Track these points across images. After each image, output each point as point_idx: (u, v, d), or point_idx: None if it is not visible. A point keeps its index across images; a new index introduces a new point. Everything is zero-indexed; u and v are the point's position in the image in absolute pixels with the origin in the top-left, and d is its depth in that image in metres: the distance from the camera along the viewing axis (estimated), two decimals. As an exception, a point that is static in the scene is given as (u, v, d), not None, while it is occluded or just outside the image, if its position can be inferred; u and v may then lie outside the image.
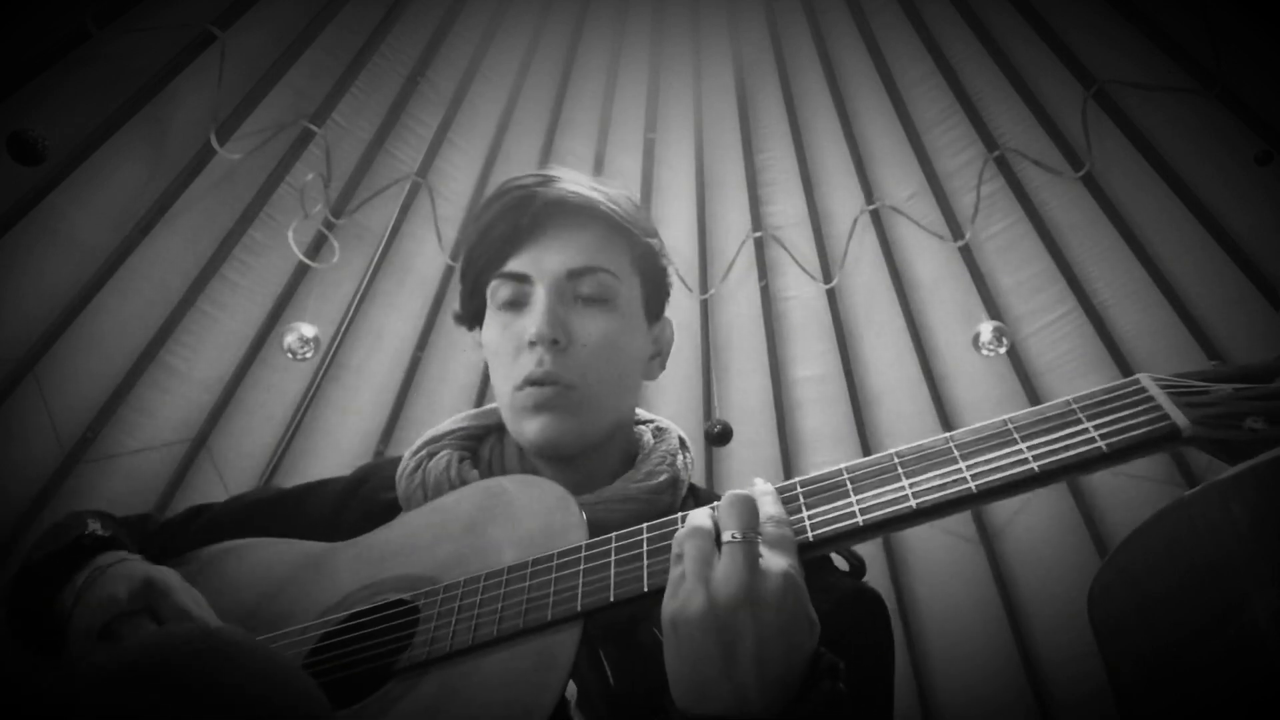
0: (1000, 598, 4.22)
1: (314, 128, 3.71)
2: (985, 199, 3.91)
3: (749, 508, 0.72)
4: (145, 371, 3.71)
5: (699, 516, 0.73)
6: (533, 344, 0.98)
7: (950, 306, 4.12)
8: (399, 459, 1.09)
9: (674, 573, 0.71)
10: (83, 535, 0.97)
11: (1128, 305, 3.84)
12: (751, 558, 0.68)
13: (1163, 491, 3.81)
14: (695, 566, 0.69)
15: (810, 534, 0.72)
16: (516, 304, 1.02)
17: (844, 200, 4.17)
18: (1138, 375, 0.71)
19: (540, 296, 1.00)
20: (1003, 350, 3.86)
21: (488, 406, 1.14)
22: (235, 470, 3.99)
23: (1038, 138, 3.79)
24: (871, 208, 4.12)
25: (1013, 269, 4.01)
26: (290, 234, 3.70)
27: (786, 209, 4.26)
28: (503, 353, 1.01)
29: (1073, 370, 3.99)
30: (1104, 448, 0.67)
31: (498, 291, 1.03)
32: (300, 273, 3.93)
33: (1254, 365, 0.70)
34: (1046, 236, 3.89)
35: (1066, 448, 0.68)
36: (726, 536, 0.70)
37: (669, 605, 0.69)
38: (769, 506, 0.73)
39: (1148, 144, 3.58)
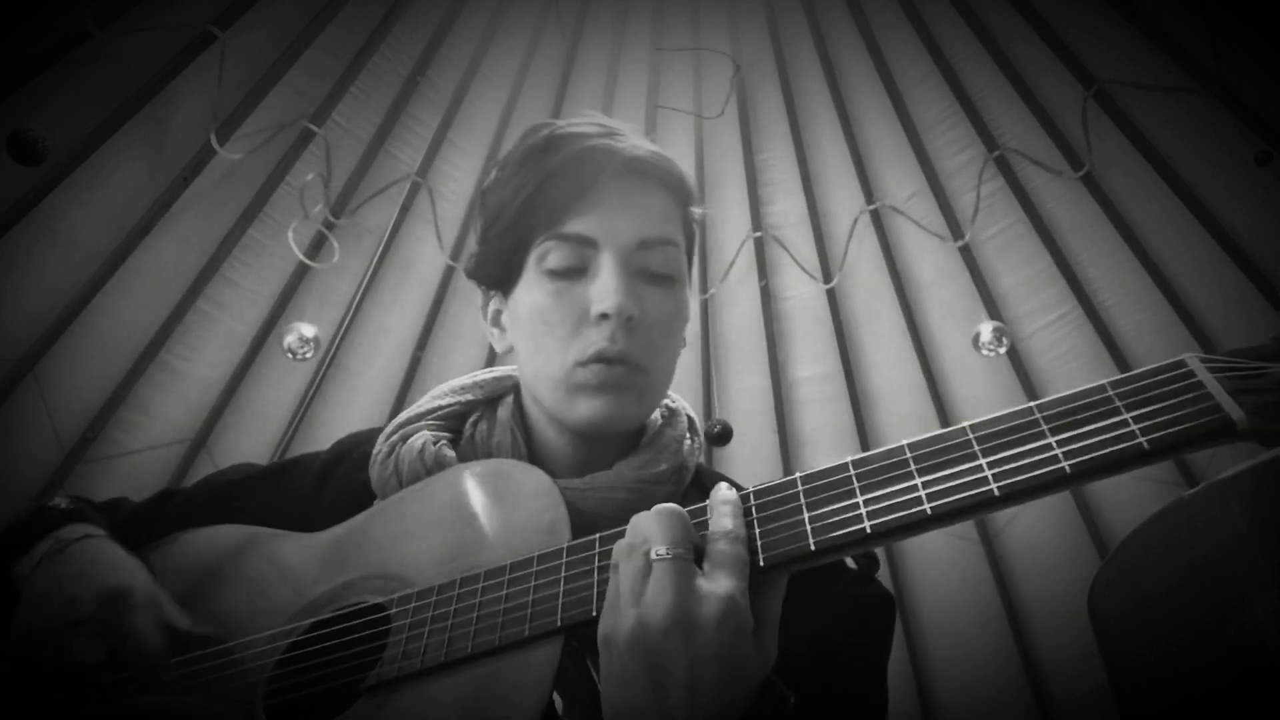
0: (1000, 598, 4.22)
1: (314, 128, 3.71)
2: (985, 199, 3.91)
3: (675, 522, 0.65)
4: (145, 371, 3.71)
5: (636, 531, 0.67)
6: (604, 317, 0.88)
7: (950, 306, 4.12)
8: (378, 432, 1.01)
9: (610, 587, 0.65)
10: (46, 507, 0.95)
11: (1128, 305, 3.83)
12: (681, 577, 0.62)
13: (1163, 491, 3.81)
14: (628, 583, 0.63)
15: (811, 542, 0.63)
16: (574, 271, 0.90)
17: (844, 200, 4.17)
18: (1184, 356, 0.61)
19: (609, 264, 0.89)
20: (1003, 350, 3.86)
21: (468, 379, 1.04)
22: (235, 470, 3.98)
23: (1038, 138, 3.79)
24: (871, 208, 4.12)
25: (1013, 269, 4.01)
26: (290, 234, 3.70)
27: (786, 209, 4.26)
28: (556, 323, 0.89)
29: (1073, 370, 3.99)
30: (1145, 445, 0.57)
31: (550, 254, 0.90)
32: (300, 273, 3.93)
33: None
34: (1046, 236, 3.89)
35: (1102, 444, 0.58)
36: (652, 553, 0.64)
37: (602, 624, 0.64)
38: (724, 520, 0.66)
39: (1148, 144, 3.58)
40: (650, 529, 0.65)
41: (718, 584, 0.62)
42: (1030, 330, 4.04)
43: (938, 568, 4.32)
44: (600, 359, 0.88)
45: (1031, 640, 4.21)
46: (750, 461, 4.31)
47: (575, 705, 0.72)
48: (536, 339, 0.92)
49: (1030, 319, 4.03)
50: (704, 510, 0.69)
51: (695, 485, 0.99)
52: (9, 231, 3.14)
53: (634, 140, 0.94)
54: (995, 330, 3.83)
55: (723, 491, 0.69)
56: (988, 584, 4.24)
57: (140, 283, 3.56)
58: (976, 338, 3.85)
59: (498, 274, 0.97)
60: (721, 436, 3.87)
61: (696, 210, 1.00)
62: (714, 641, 0.60)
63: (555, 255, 0.90)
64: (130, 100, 3.24)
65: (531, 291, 0.92)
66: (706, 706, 0.60)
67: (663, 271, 0.93)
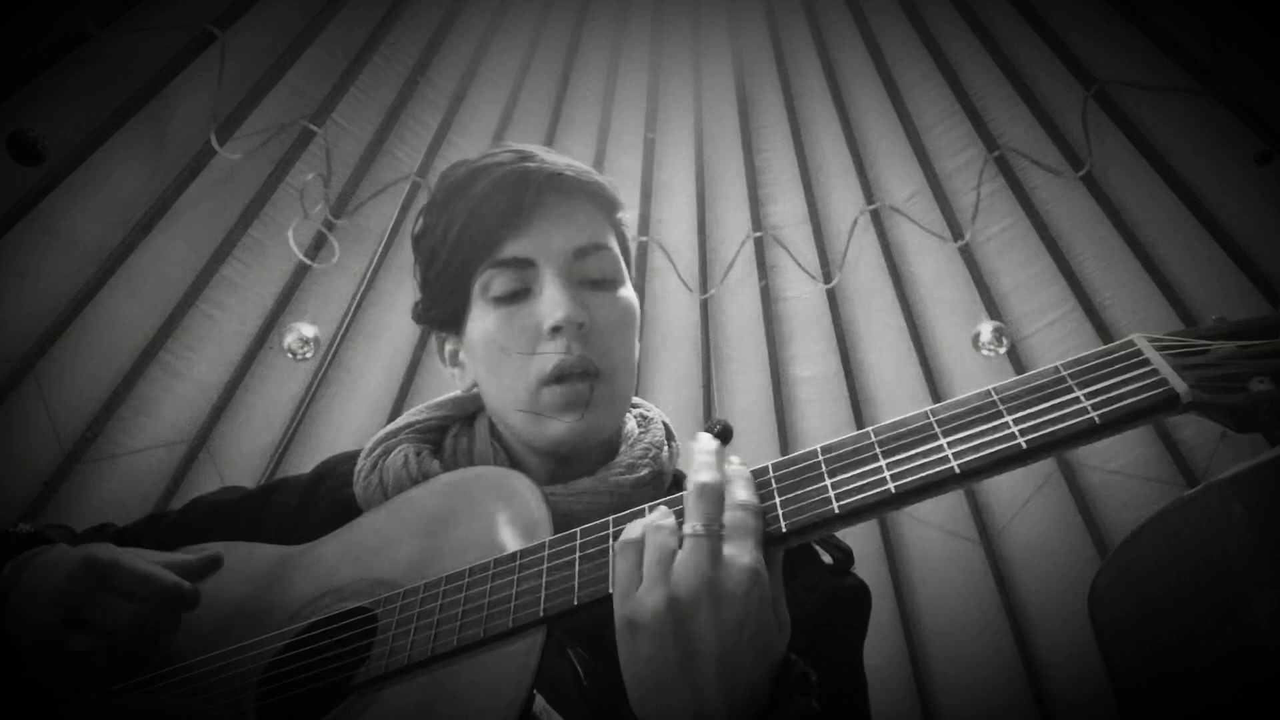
0: (1000, 598, 4.22)
1: (314, 128, 3.71)
2: (985, 199, 3.91)
3: (716, 498, 0.67)
4: (145, 371, 3.71)
5: (662, 513, 0.69)
6: (555, 330, 0.89)
7: (950, 306, 4.12)
8: (359, 452, 1.03)
9: (622, 568, 0.66)
10: (6, 532, 0.94)
11: (1128, 305, 3.84)
12: (714, 551, 0.64)
13: (1163, 491, 3.81)
14: (655, 559, 0.64)
15: (783, 524, 0.67)
16: (518, 294, 0.92)
17: (844, 200, 4.17)
18: (1131, 336, 0.66)
19: (551, 280, 0.91)
20: (1003, 350, 3.86)
21: (444, 397, 1.06)
22: (235, 470, 3.99)
23: (1038, 138, 3.80)
24: (871, 208, 4.12)
25: (1013, 269, 4.02)
26: (290, 234, 3.70)
27: (786, 209, 4.26)
28: (511, 347, 0.91)
29: (1073, 370, 3.98)
30: (1096, 419, 0.61)
31: (492, 282, 0.93)
32: (300, 273, 3.93)
33: (1256, 320, 0.64)
34: (1046, 236, 3.89)
35: (1055, 420, 0.62)
36: (688, 529, 0.65)
37: (624, 606, 0.65)
38: (740, 492, 0.68)
39: (1148, 144, 3.58)
40: (689, 506, 0.67)
41: (740, 555, 0.64)
42: (1030, 330, 4.05)
43: (938, 567, 4.32)
44: (560, 373, 0.90)
45: (1031, 640, 4.21)
46: (750, 461, 4.29)
47: (560, 698, 0.72)
48: (494, 366, 0.93)
49: (1030, 319, 4.03)
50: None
51: (675, 489, 0.99)
52: (9, 231, 3.14)
53: (550, 158, 0.96)
54: (995, 330, 3.83)
55: (736, 464, 0.72)
56: (988, 584, 4.24)
57: (140, 283, 3.57)
58: (976, 338, 3.85)
59: (446, 314, 0.99)
60: (721, 436, 3.86)
61: (622, 215, 1.02)
62: (742, 611, 0.62)
63: (497, 282, 0.93)
64: (130, 100, 3.24)
65: (481, 322, 0.94)
66: (737, 677, 0.62)
67: (601, 276, 0.95)
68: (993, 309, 4.00)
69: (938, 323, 4.20)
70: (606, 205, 0.99)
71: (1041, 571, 4.19)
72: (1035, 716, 4.19)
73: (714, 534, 0.65)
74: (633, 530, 0.68)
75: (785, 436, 4.35)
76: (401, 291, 4.17)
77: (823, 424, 4.37)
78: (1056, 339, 4.01)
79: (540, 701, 0.70)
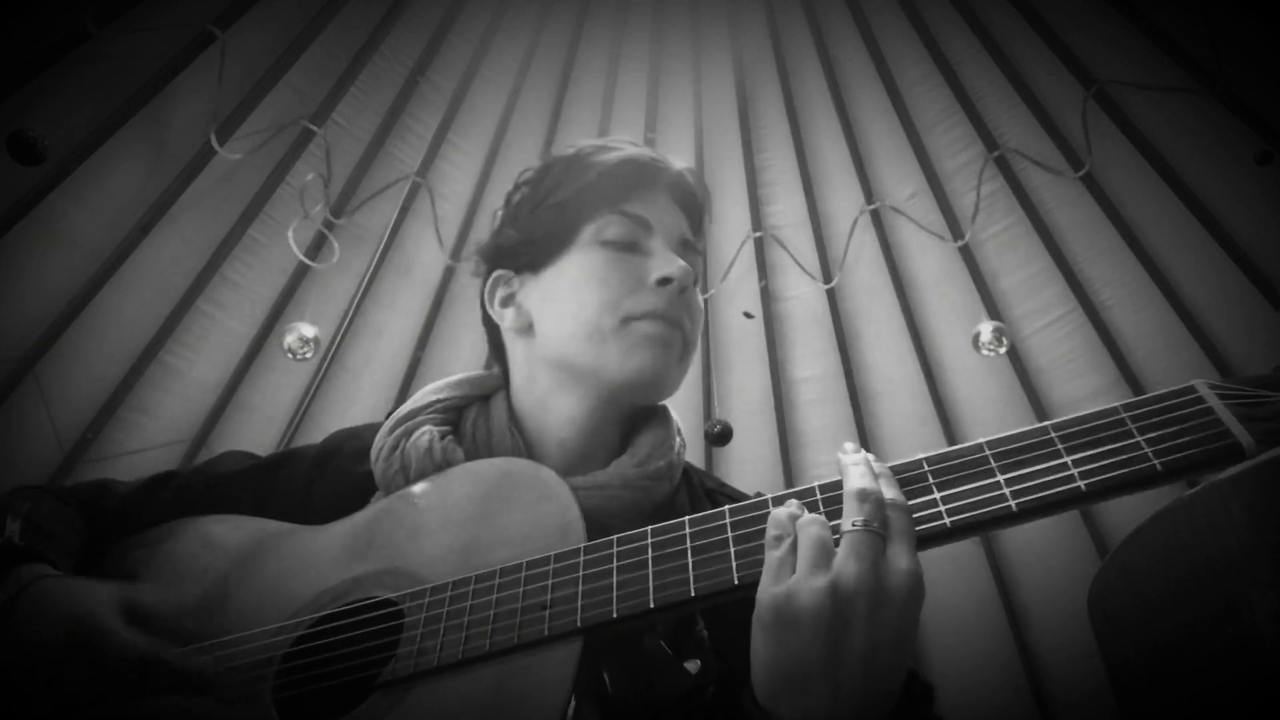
0: (1000, 598, 4.22)
1: (314, 128, 3.71)
2: (985, 199, 3.91)
3: (879, 503, 0.65)
4: (145, 371, 3.71)
5: (797, 507, 0.68)
6: (663, 282, 0.94)
7: (950, 306, 4.12)
8: (374, 426, 1.02)
9: (773, 555, 0.65)
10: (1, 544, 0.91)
11: (1128, 305, 3.83)
12: (877, 550, 0.63)
13: (1162, 491, 3.80)
14: (812, 552, 0.63)
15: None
16: (632, 245, 0.98)
17: (844, 200, 4.17)
18: (1194, 382, 0.64)
19: (665, 245, 0.98)
20: (1003, 350, 3.85)
21: (465, 375, 1.06)
22: (235, 470, 3.99)
23: (1038, 138, 3.79)
24: (871, 208, 4.12)
25: (1013, 269, 4.01)
26: (290, 234, 3.70)
27: (786, 209, 4.25)
28: (612, 284, 0.94)
29: (1073, 370, 3.99)
30: (1159, 466, 0.60)
31: (609, 227, 0.98)
32: (300, 273, 3.93)
33: None
34: (1046, 236, 3.89)
35: (1116, 465, 0.61)
36: (848, 524, 0.64)
37: (771, 590, 0.63)
38: (889, 490, 0.67)
39: (1148, 144, 3.58)
40: (848, 503, 0.66)
41: (900, 557, 0.64)
42: (1030, 330, 4.04)
43: (938, 567, 4.31)
44: (654, 313, 0.93)
45: (1031, 640, 4.21)
46: (750, 461, 4.30)
47: (582, 710, 0.71)
48: (580, 298, 0.95)
49: (1030, 319, 4.03)
50: (838, 485, 0.70)
51: (685, 481, 1.01)
52: (9, 231, 3.14)
53: (677, 160, 1.06)
54: (995, 330, 3.83)
55: (873, 459, 0.70)
56: (988, 584, 4.24)
57: (140, 283, 3.56)
58: (976, 338, 3.84)
59: (536, 249, 1.01)
60: (721, 436, 3.87)
61: (699, 241, 1.09)
62: (897, 616, 0.62)
63: (615, 228, 0.98)
64: (130, 100, 3.24)
65: (585, 255, 0.98)
66: (875, 684, 0.61)
67: (694, 271, 1.00)
68: (993, 309, 4.00)
69: (938, 323, 4.20)
70: (700, 220, 1.07)
71: (1041, 571, 4.19)
72: (1035, 716, 4.19)
73: (875, 533, 0.64)
74: (779, 521, 0.67)
75: (785, 436, 4.35)
76: (401, 292, 4.17)
77: (823, 424, 4.37)
78: (1056, 339, 4.01)
79: (570, 708, 0.69)
